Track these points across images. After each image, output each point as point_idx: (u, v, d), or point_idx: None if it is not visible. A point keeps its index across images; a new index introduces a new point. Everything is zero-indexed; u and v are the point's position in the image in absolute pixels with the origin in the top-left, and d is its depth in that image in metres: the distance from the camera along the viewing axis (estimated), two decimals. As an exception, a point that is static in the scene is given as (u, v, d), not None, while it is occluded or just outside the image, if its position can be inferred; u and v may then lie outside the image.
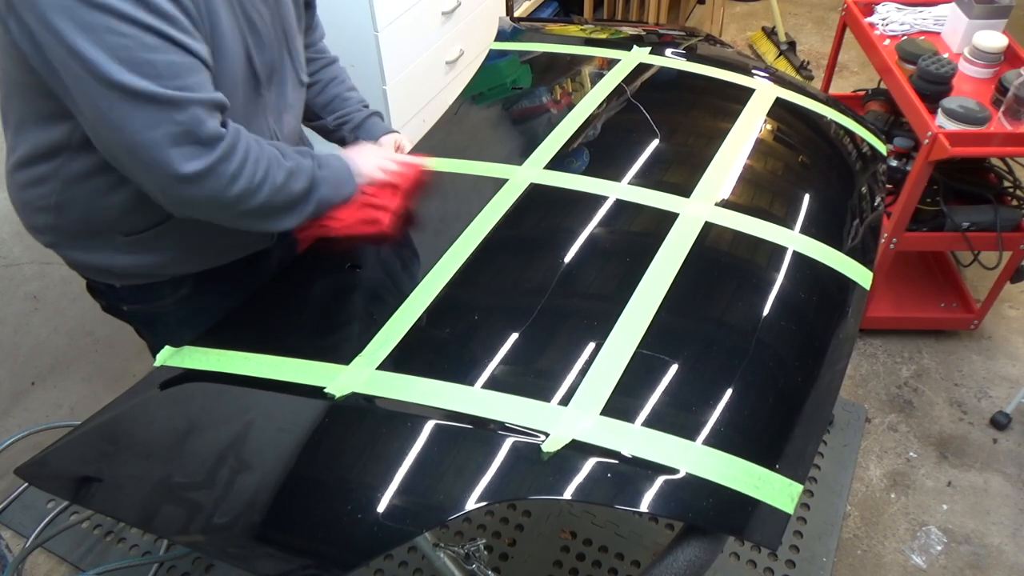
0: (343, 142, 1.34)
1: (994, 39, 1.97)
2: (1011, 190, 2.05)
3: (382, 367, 0.96)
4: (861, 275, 1.15)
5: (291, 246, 1.23)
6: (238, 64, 1.00)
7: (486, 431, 0.88)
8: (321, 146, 1.42)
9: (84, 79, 0.84)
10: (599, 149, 1.32)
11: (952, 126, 1.83)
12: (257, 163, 0.98)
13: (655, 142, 1.32)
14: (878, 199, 1.33)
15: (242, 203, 0.98)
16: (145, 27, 0.83)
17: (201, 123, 0.90)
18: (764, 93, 1.44)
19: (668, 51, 1.56)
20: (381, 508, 0.83)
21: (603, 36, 1.74)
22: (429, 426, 0.89)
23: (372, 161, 1.16)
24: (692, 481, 0.84)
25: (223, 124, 0.95)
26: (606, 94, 1.44)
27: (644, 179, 1.23)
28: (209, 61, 0.93)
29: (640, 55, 1.55)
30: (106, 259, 1.12)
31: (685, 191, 1.20)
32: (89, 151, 0.97)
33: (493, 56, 1.62)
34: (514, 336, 1.00)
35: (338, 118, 1.33)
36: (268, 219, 1.04)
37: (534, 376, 0.96)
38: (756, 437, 0.91)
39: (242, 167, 0.96)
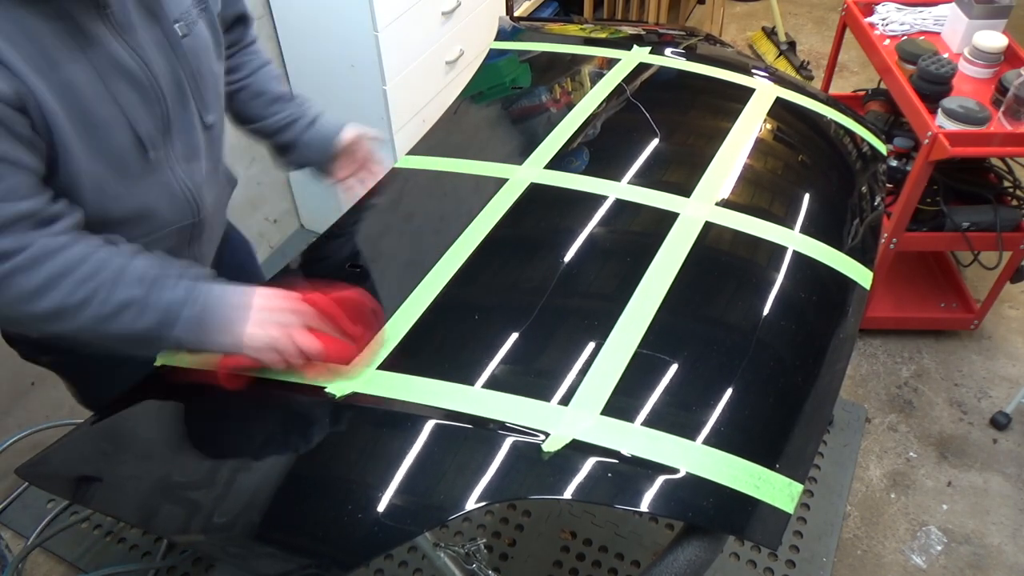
0: (290, 147, 1.23)
1: (994, 39, 1.97)
2: (1011, 190, 2.05)
3: (383, 367, 0.96)
4: (861, 275, 1.15)
5: None
6: (120, 137, 0.93)
7: (486, 431, 0.88)
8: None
9: None
10: (599, 149, 1.32)
11: (952, 126, 1.83)
12: (81, 283, 0.86)
13: (655, 142, 1.32)
14: (878, 199, 1.33)
15: (53, 323, 0.87)
16: None
17: None
18: (764, 93, 1.44)
19: (668, 51, 1.56)
20: (381, 508, 0.82)
21: (603, 35, 1.74)
22: (430, 426, 0.89)
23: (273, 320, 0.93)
24: (692, 481, 0.84)
25: (52, 230, 0.87)
26: (606, 94, 1.44)
27: (644, 179, 1.23)
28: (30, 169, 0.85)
29: (640, 55, 1.55)
30: None
31: (685, 191, 1.20)
32: None
33: (493, 55, 1.62)
34: (514, 336, 1.00)
35: (287, 117, 1.21)
36: (112, 343, 0.91)
37: (534, 376, 0.95)
38: (756, 437, 0.91)
39: (51, 284, 0.85)
